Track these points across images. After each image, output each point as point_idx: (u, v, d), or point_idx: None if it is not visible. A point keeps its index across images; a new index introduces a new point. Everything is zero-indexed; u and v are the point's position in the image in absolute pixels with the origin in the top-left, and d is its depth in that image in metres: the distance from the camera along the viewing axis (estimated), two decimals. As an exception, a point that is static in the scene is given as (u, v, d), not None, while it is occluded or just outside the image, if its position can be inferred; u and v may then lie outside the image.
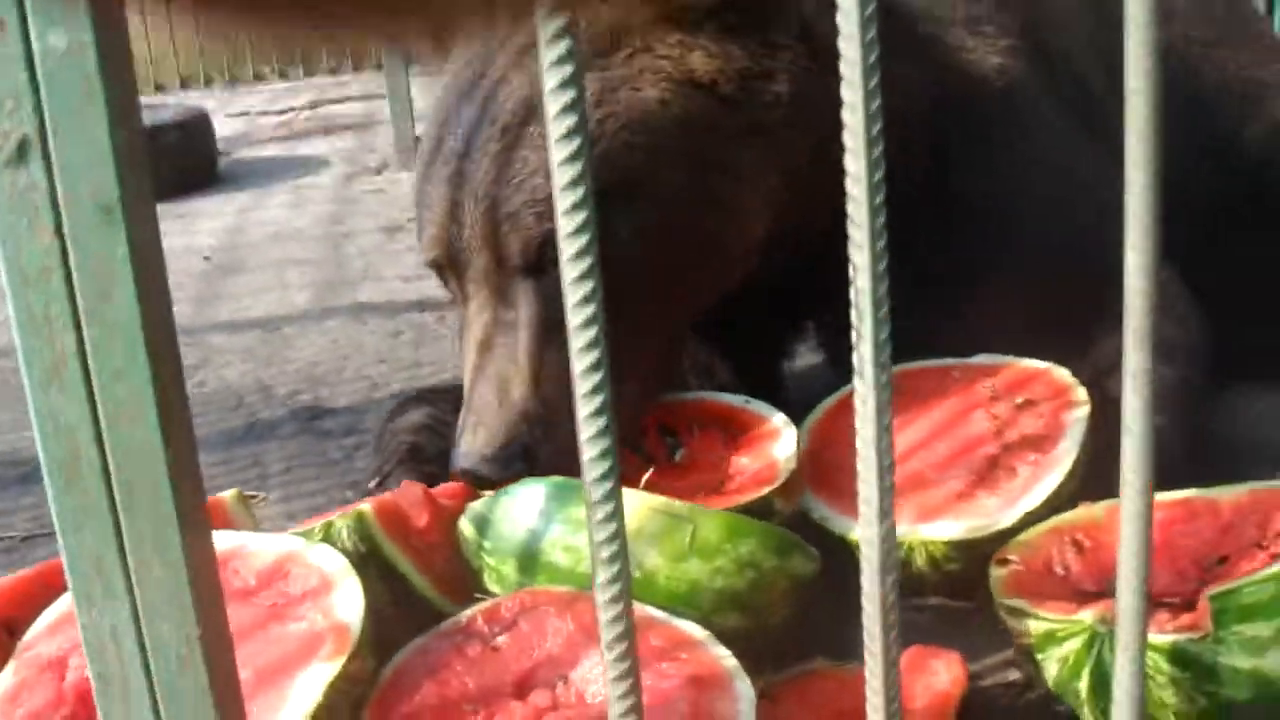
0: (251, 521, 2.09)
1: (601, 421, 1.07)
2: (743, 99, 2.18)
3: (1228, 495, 1.81)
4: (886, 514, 1.16)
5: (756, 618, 1.79)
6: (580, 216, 1.03)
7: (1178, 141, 2.85)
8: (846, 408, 2.22)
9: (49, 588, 1.85)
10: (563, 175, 1.02)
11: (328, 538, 1.81)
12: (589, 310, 1.07)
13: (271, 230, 5.41)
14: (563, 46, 0.98)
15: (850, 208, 1.14)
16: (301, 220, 5.56)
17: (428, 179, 2.23)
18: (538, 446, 2.05)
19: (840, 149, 2.16)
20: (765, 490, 2.01)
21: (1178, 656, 1.51)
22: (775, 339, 2.73)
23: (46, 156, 1.06)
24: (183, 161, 6.22)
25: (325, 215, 5.62)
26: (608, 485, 1.08)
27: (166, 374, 1.09)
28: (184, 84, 9.64)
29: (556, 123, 1.01)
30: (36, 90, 1.06)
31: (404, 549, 1.85)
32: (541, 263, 2.11)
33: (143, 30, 9.40)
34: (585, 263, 1.05)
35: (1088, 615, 1.58)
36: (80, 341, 1.07)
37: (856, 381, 1.16)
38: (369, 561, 1.80)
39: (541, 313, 2.11)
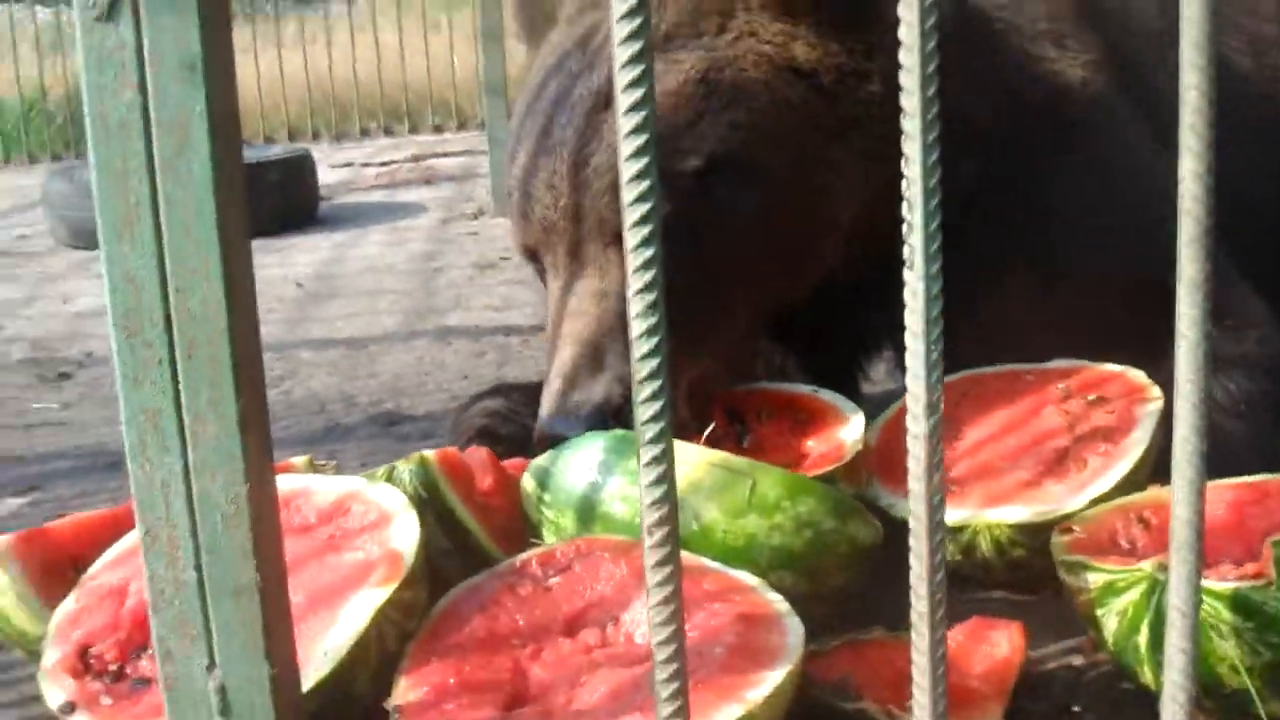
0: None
1: (656, 383, 1.08)
2: (840, 93, 2.22)
3: None
4: (934, 409, 1.15)
5: (813, 580, 1.78)
6: (643, 185, 1.05)
7: (1264, 170, 2.84)
8: (917, 408, 2.22)
9: (118, 528, 1.89)
10: (628, 146, 1.05)
11: (390, 479, 1.83)
12: (648, 276, 1.09)
13: (366, 264, 5.52)
14: (636, 22, 1.01)
15: (905, 210, 1.14)
16: (396, 256, 5.66)
17: (522, 158, 2.28)
18: (621, 403, 2.07)
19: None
20: (829, 468, 2.01)
21: (1240, 604, 1.48)
22: (851, 344, 2.73)
23: (136, 14, 1.10)
24: (285, 200, 6.38)
25: (420, 253, 5.73)
26: (660, 434, 1.08)
27: (233, 232, 1.12)
28: (292, 136, 9.88)
29: (625, 95, 1.03)
30: (127, -47, 1.11)
31: (464, 499, 1.87)
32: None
33: (254, 83, 9.69)
34: (646, 229, 1.07)
35: (1148, 564, 1.56)
36: (154, 195, 1.11)
37: (907, 274, 1.15)
38: (428, 506, 1.82)
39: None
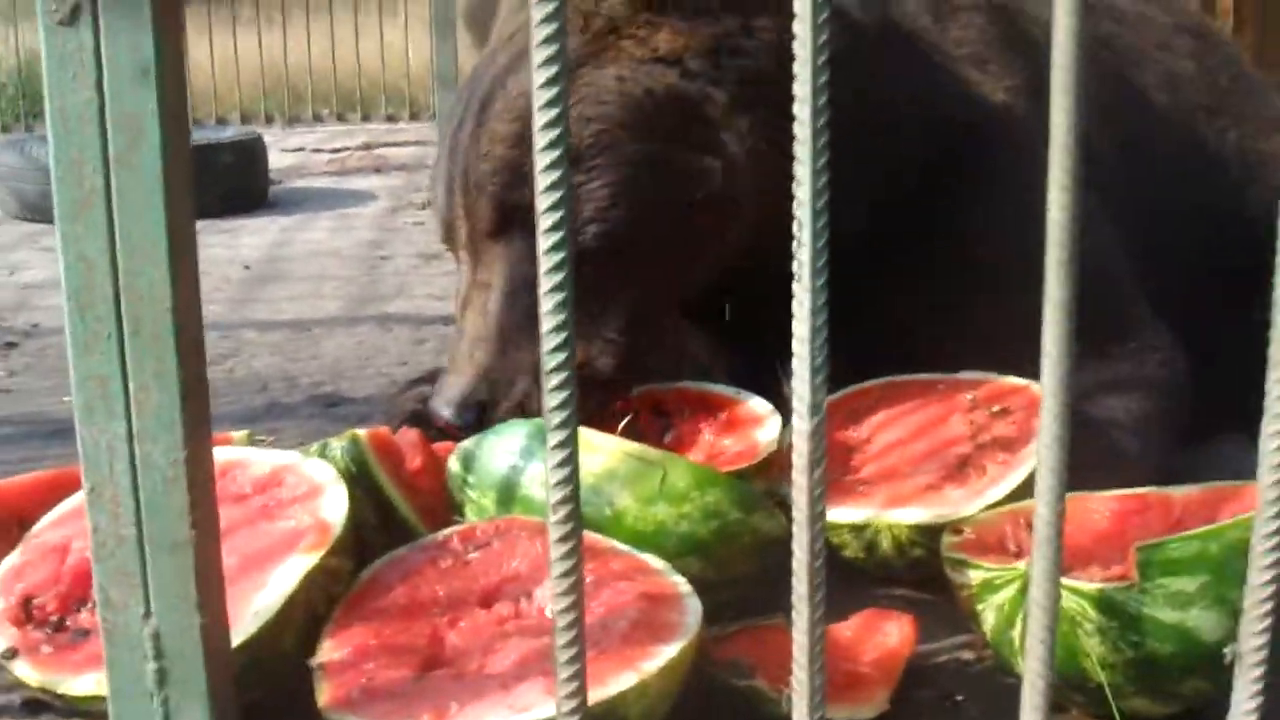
0: (258, 462, 2.21)
1: (563, 374, 1.20)
2: (715, 75, 2.28)
3: (1180, 492, 1.89)
4: (818, 410, 1.26)
5: (719, 568, 1.89)
6: (555, 174, 1.16)
7: (1177, 204, 2.95)
8: (831, 412, 2.33)
9: (60, 488, 1.99)
10: (541, 139, 1.16)
11: (323, 455, 1.93)
12: (559, 276, 1.19)
13: (313, 249, 5.59)
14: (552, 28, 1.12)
15: (796, 202, 1.25)
16: (343, 242, 5.73)
17: (438, 160, 2.41)
18: (492, 402, 2.23)
19: (846, 159, 2.28)
20: (743, 465, 2.12)
21: (1104, 604, 1.60)
22: (774, 345, 2.83)
23: (95, 20, 1.20)
24: (235, 182, 6.43)
25: (366, 240, 5.80)
26: (565, 420, 1.20)
27: (181, 223, 1.22)
28: (245, 120, 9.89)
29: (540, 93, 1.14)
30: (90, -38, 1.20)
31: (392, 477, 1.97)
32: (508, 228, 2.28)
33: (208, 63, 9.70)
34: (557, 215, 1.18)
35: (1023, 564, 1.67)
36: (107, 184, 1.20)
37: (796, 287, 1.26)
38: (358, 482, 1.92)
39: (508, 274, 2.28)
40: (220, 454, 1.73)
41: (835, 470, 2.20)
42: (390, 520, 1.95)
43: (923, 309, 2.49)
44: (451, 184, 2.37)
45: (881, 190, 2.42)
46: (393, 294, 4.71)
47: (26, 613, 1.72)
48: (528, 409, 2.21)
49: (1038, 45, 2.81)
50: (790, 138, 2.33)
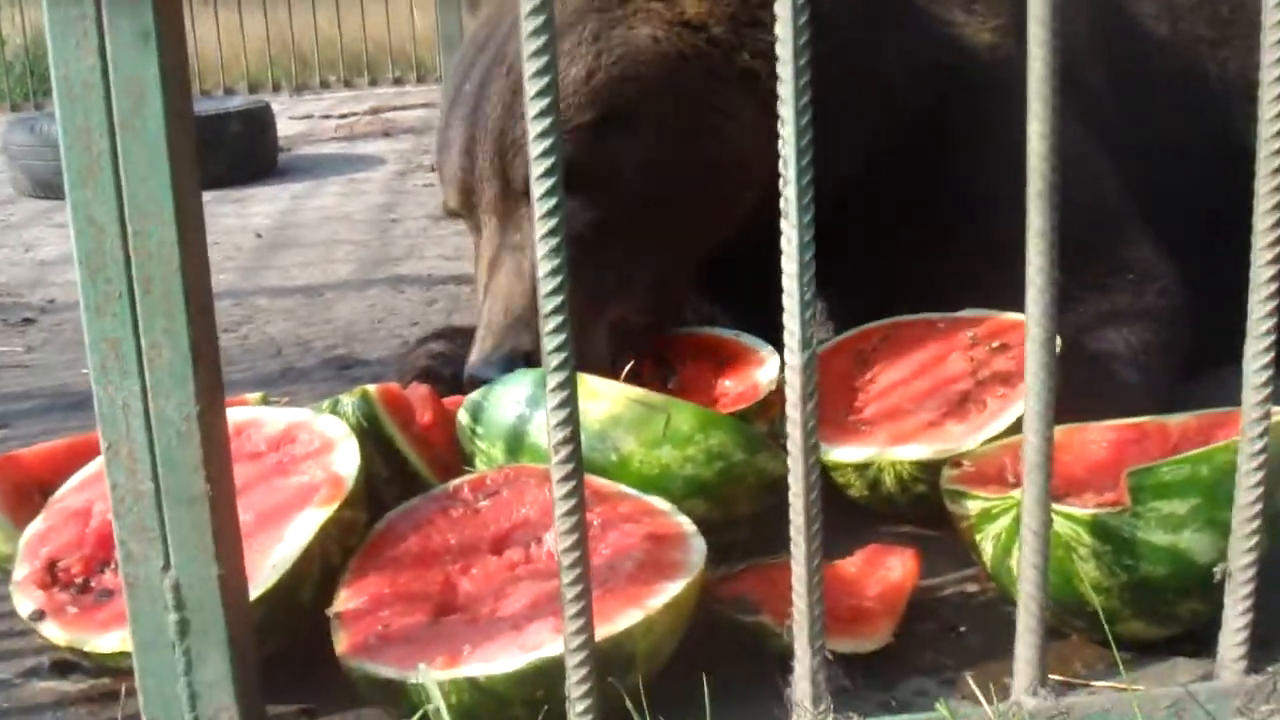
0: (273, 423, 2.25)
1: (560, 318, 1.25)
2: (735, 43, 2.34)
3: (1176, 419, 1.93)
4: (808, 344, 1.30)
5: (724, 508, 1.93)
6: (548, 161, 1.21)
7: (1180, 136, 2.96)
8: (835, 353, 2.38)
9: (78, 455, 2.04)
10: (534, 107, 1.20)
11: (335, 411, 1.98)
12: (554, 240, 1.24)
13: (323, 215, 5.64)
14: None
15: (781, 147, 1.28)
16: (352, 206, 5.78)
17: (448, 124, 2.44)
18: (536, 351, 2.21)
19: (839, 108, 2.30)
20: (744, 406, 2.16)
21: (1098, 529, 1.64)
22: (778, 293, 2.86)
23: (96, -11, 1.24)
24: (245, 151, 6.48)
25: (376, 204, 5.85)
26: (563, 364, 1.25)
27: (186, 184, 1.26)
28: (252, 88, 9.93)
29: (530, 63, 1.19)
30: (88, -68, 1.24)
31: (403, 431, 2.02)
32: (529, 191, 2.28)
33: (214, 34, 9.72)
34: (553, 201, 1.22)
35: (1018, 492, 1.71)
36: (113, 148, 1.25)
37: (783, 224, 1.30)
38: (369, 437, 1.97)
39: None
40: (234, 414, 1.77)
41: (839, 411, 2.24)
42: (402, 473, 2.00)
43: (921, 250, 2.53)
44: (472, 145, 2.38)
45: (877, 134, 2.45)
46: (403, 256, 4.76)
47: (52, 575, 1.77)
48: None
49: None
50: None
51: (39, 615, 1.71)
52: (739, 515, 1.96)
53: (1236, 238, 2.95)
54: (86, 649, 1.68)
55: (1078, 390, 2.30)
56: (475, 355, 2.27)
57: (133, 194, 1.25)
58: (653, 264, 2.37)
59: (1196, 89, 3.00)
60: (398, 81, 10.28)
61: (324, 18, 10.28)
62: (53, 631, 1.71)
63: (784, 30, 1.26)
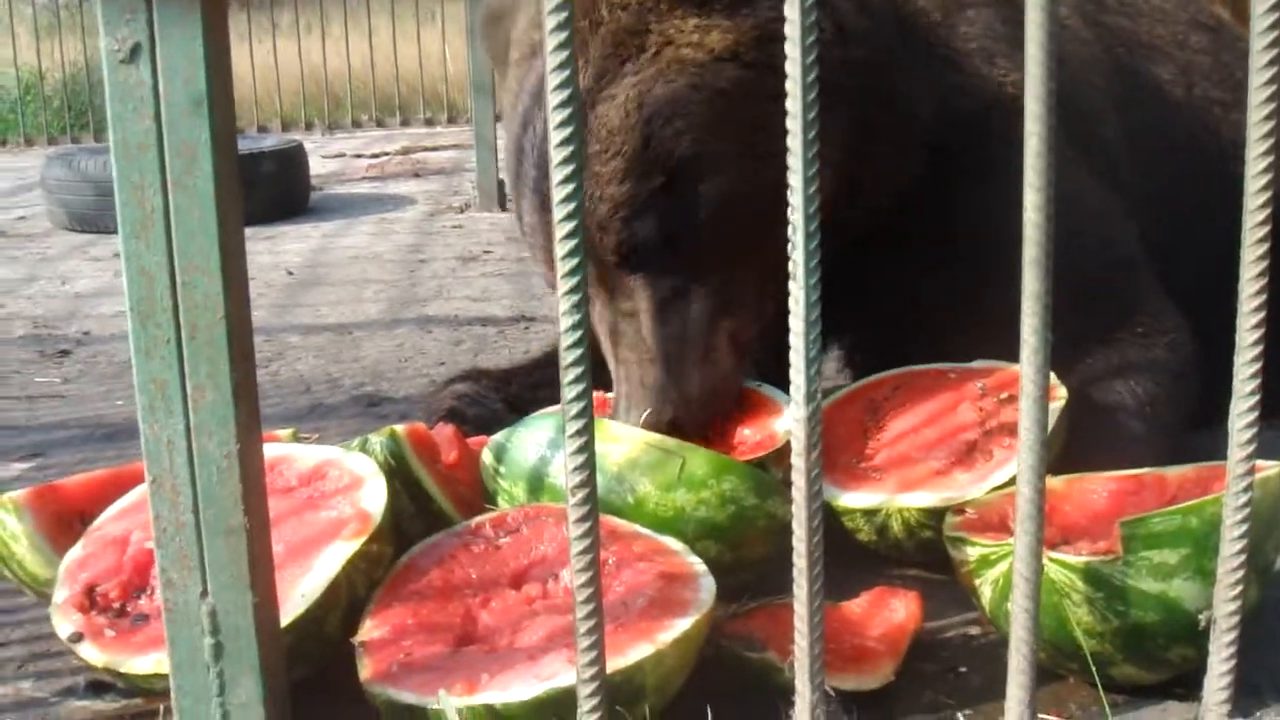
0: (303, 459, 2.34)
1: (580, 369, 1.33)
2: (768, 62, 2.33)
3: (1175, 472, 2.00)
4: (813, 398, 1.39)
5: (735, 550, 2.01)
6: (571, 224, 1.29)
7: (1195, 195, 3.03)
8: (848, 401, 2.46)
9: (120, 486, 2.13)
10: (558, 155, 1.29)
11: (363, 449, 2.07)
12: (576, 294, 1.32)
13: (353, 254, 5.76)
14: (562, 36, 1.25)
15: (790, 177, 1.37)
16: (382, 246, 5.90)
17: (523, 208, 2.51)
18: (681, 416, 2.29)
19: (878, 123, 2.35)
20: (760, 455, 2.24)
21: (1091, 576, 1.71)
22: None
23: (153, 58, 1.34)
24: (278, 190, 6.62)
25: (406, 244, 5.96)
26: (582, 411, 1.33)
27: (232, 239, 1.35)
28: (285, 127, 10.09)
29: (555, 113, 1.27)
30: (150, 6, 1.34)
31: (429, 469, 2.11)
32: (635, 258, 2.34)
33: (250, 72, 9.88)
34: (574, 260, 1.30)
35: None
36: (165, 205, 1.34)
37: (791, 285, 1.38)
38: (396, 474, 2.06)
39: (652, 297, 2.35)
40: (268, 449, 1.86)
41: (850, 458, 2.31)
42: (427, 509, 2.09)
43: (938, 290, 2.59)
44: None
45: (900, 176, 2.53)
46: (431, 296, 4.86)
47: (90, 600, 1.86)
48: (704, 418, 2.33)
49: None
50: (842, 119, 2.38)
51: (77, 637, 1.80)
52: (750, 557, 2.04)
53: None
54: (122, 670, 1.77)
55: (1084, 442, 2.37)
56: (623, 418, 2.32)
57: (182, 247, 1.34)
58: (750, 283, 2.40)
59: (1210, 149, 3.07)
60: (429, 122, 10.44)
61: (357, 57, 10.45)
62: (90, 653, 1.80)
63: (793, 95, 1.35)
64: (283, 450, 2.06)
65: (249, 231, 5.38)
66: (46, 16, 11.32)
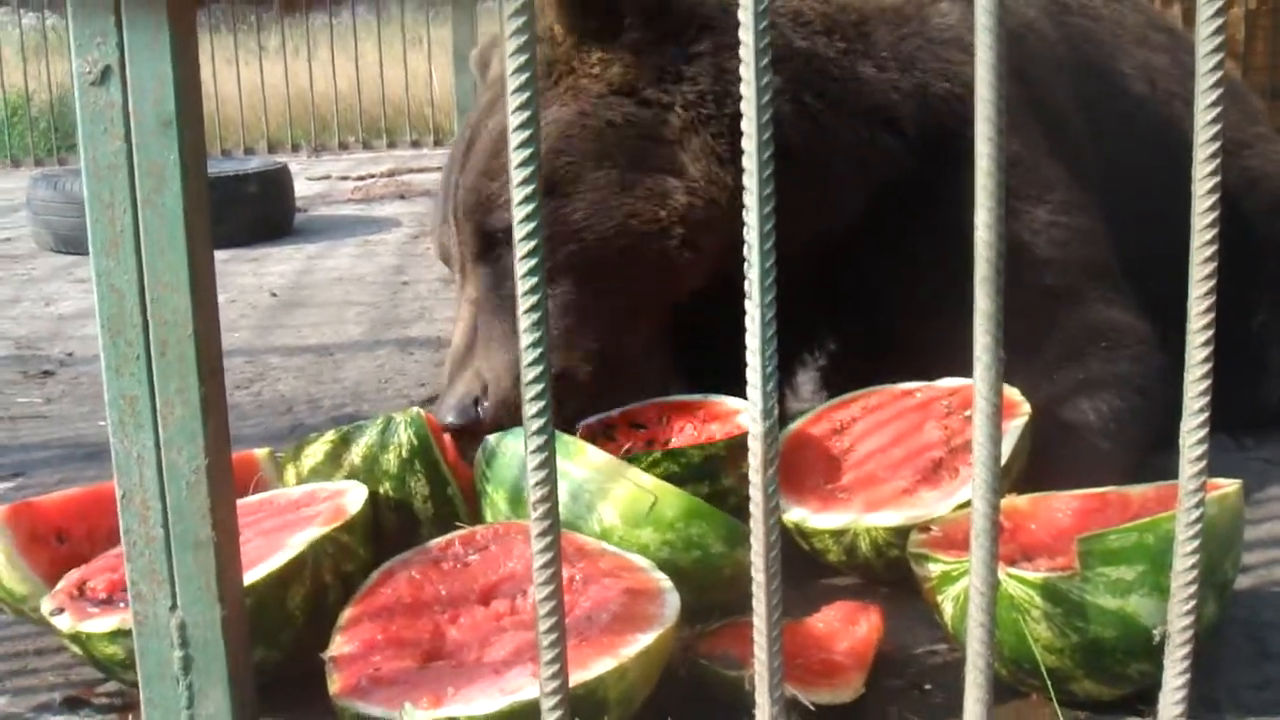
0: (278, 477, 2.37)
1: (540, 386, 1.36)
2: (667, 100, 2.47)
3: (1138, 490, 2.03)
4: (769, 415, 1.41)
5: (699, 593, 1.99)
6: (530, 225, 1.32)
7: (1162, 193, 3.07)
8: (816, 422, 2.48)
9: (96, 503, 2.16)
10: (517, 175, 1.32)
11: (387, 429, 2.19)
12: (534, 298, 1.35)
13: (336, 275, 5.78)
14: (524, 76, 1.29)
15: (746, 226, 1.39)
16: (366, 268, 5.92)
17: (437, 196, 2.70)
18: (481, 402, 2.46)
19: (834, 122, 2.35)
20: (736, 435, 2.26)
21: (1049, 592, 1.74)
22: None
23: (124, 80, 1.37)
24: (262, 211, 6.64)
25: (389, 266, 5.98)
26: (543, 427, 1.36)
27: (201, 257, 1.38)
28: (272, 148, 10.11)
29: (515, 134, 1.31)
30: (120, 29, 1.38)
31: (444, 455, 2.21)
32: (490, 250, 2.54)
33: (236, 93, 9.91)
34: (531, 246, 1.33)
35: (977, 556, 1.81)
36: (135, 223, 1.37)
37: (747, 304, 1.41)
38: (417, 454, 2.16)
39: (489, 291, 2.54)
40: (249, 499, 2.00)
41: (818, 479, 2.34)
42: (441, 493, 2.18)
43: (912, 307, 2.62)
44: (446, 215, 2.62)
45: (882, 169, 2.58)
46: (413, 318, 4.88)
47: (80, 591, 1.92)
48: (509, 404, 2.42)
49: (1014, 33, 2.93)
50: (733, 155, 2.48)
51: (58, 610, 1.85)
52: (714, 601, 2.01)
53: (1219, 298, 3.05)
54: (83, 630, 1.82)
55: (1050, 460, 2.39)
56: (441, 401, 2.49)
57: (152, 265, 1.37)
58: (601, 320, 2.51)
59: (1176, 144, 3.09)
60: (415, 144, 10.47)
61: (344, 80, 10.48)
62: (63, 622, 1.84)
63: (748, 113, 1.38)
64: (269, 494, 2.17)
65: (233, 253, 5.45)
66: (34, 37, 11.34)
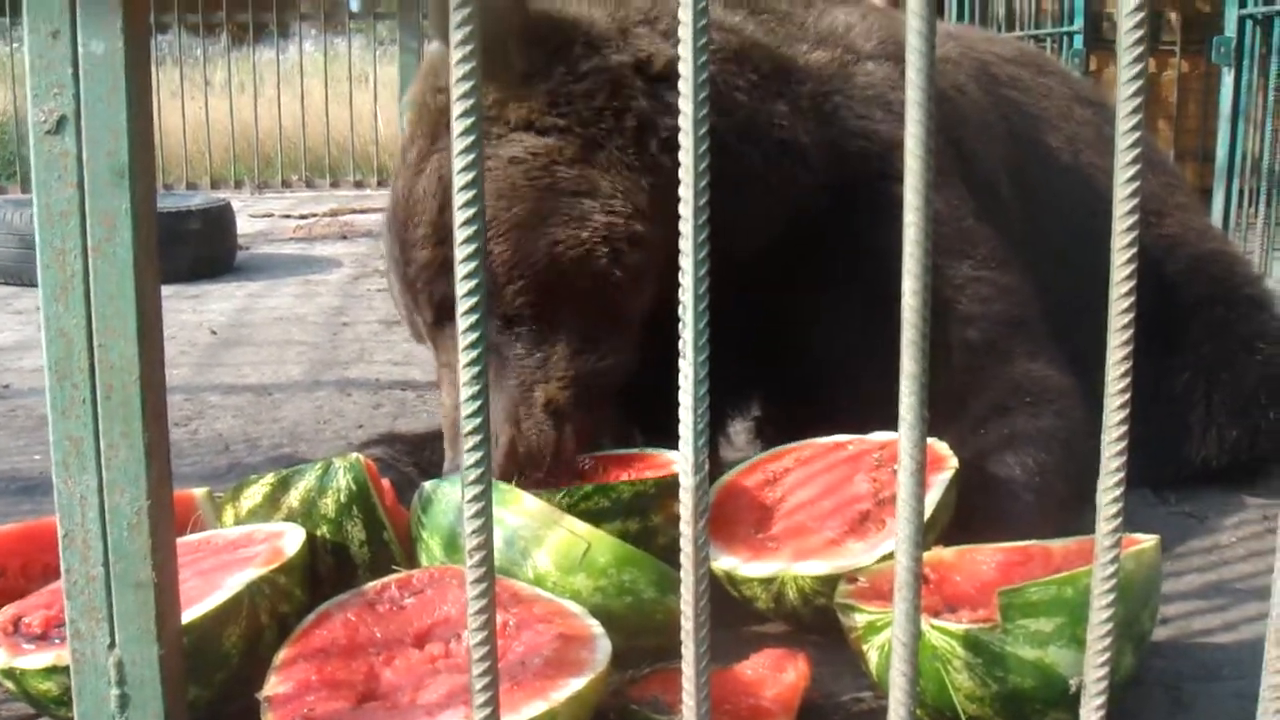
0: (216, 517, 2.39)
1: (479, 437, 1.40)
2: (562, 124, 2.51)
3: (1060, 544, 2.10)
4: (700, 469, 1.46)
5: (631, 638, 2.03)
6: (472, 281, 1.37)
7: (1086, 257, 3.17)
8: (749, 473, 2.53)
9: (32, 540, 2.18)
10: (462, 242, 1.36)
11: (326, 473, 2.20)
12: (474, 354, 1.39)
13: (277, 314, 5.79)
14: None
15: (682, 260, 1.44)
16: (306, 308, 5.93)
17: (388, 267, 2.73)
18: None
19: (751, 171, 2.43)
20: (667, 473, 2.32)
21: (970, 643, 1.80)
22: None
23: (78, 130, 1.41)
24: (204, 249, 6.64)
25: (329, 307, 6.00)
26: (480, 477, 1.40)
27: (149, 304, 1.41)
28: (215, 184, 10.12)
29: (460, 194, 1.35)
30: (77, 81, 1.41)
31: (382, 501, 2.22)
32: (447, 315, 2.52)
33: (180, 128, 9.90)
34: (472, 301, 1.38)
35: (899, 608, 1.86)
36: (85, 270, 1.40)
37: (681, 362, 1.46)
38: (355, 499, 2.18)
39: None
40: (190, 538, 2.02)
41: (749, 529, 2.38)
42: (378, 537, 2.20)
43: (829, 325, 2.70)
44: (397, 288, 2.65)
45: (791, 196, 2.66)
46: (353, 359, 4.90)
47: (15, 626, 1.93)
48: (512, 451, 2.45)
49: (945, 94, 3.02)
50: (643, 163, 2.52)
51: None
52: (645, 646, 2.05)
53: (1140, 354, 3.15)
54: (16, 666, 1.83)
55: (976, 514, 2.46)
56: (447, 470, 2.51)
57: (101, 311, 1.41)
58: (566, 350, 2.53)
59: (1099, 212, 3.20)
60: (358, 185, 10.51)
61: (289, 117, 10.50)
62: None
63: (686, 139, 1.43)
64: (207, 534, 2.18)
65: (173, 290, 5.44)
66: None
